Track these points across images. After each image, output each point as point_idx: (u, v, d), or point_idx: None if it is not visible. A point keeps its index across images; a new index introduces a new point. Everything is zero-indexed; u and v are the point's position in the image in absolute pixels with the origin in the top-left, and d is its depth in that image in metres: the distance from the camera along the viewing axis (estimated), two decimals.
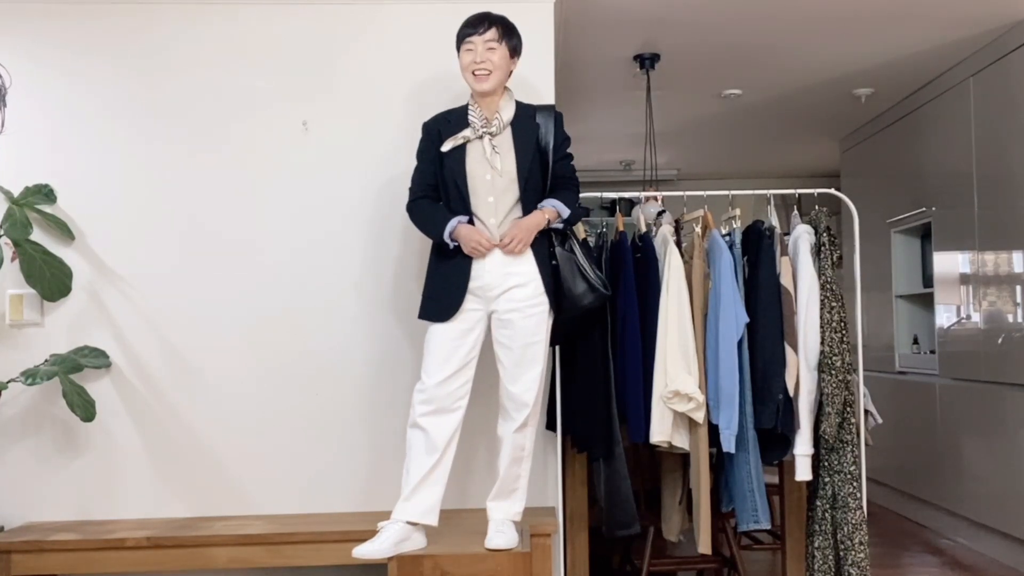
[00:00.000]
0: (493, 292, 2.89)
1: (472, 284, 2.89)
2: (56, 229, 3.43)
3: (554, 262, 2.96)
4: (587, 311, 3.04)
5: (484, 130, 2.91)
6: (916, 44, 4.66)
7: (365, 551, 2.79)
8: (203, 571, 3.33)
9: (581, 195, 3.20)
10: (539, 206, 2.93)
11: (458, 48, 2.96)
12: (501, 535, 2.90)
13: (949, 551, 4.89)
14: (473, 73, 2.90)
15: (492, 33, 2.90)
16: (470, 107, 2.97)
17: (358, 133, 3.57)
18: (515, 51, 2.97)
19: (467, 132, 2.92)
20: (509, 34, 2.94)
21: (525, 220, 2.89)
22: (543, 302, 2.92)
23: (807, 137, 6.79)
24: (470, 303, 2.90)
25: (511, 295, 2.89)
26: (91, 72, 3.54)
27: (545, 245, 2.95)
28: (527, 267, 2.90)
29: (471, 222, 2.91)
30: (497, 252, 2.88)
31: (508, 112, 2.95)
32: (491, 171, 2.90)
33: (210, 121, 3.55)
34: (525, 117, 2.97)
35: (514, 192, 2.92)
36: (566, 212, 2.95)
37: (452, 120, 2.98)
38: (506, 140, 2.93)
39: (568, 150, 3.06)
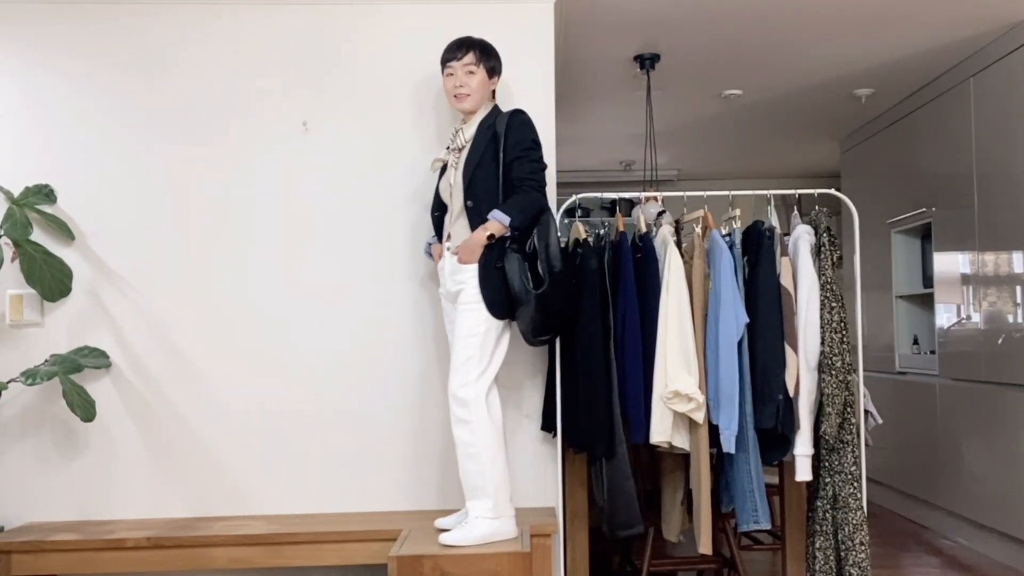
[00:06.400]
0: (451, 297, 3.13)
1: (441, 289, 3.23)
2: (56, 229, 3.43)
3: (499, 265, 3.00)
4: (538, 310, 3.00)
5: (452, 147, 3.19)
6: (916, 44, 4.66)
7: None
8: (203, 571, 3.33)
9: (582, 195, 3.20)
10: (488, 217, 3.02)
11: (442, 71, 3.21)
12: (458, 530, 2.98)
13: (949, 551, 4.90)
14: (454, 96, 3.16)
15: (470, 58, 3.13)
16: (456, 127, 3.24)
17: (359, 133, 3.57)
18: (493, 71, 3.20)
19: (442, 154, 3.24)
20: (487, 56, 3.17)
21: (470, 239, 3.04)
22: (477, 300, 3.01)
23: (807, 137, 6.79)
24: (447, 304, 3.22)
25: (459, 299, 3.07)
26: (91, 72, 3.54)
27: (492, 252, 3.01)
28: (467, 274, 3.04)
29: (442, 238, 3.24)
30: (448, 261, 3.13)
31: (471, 128, 3.17)
32: (450, 185, 3.16)
33: (210, 121, 3.55)
34: (485, 127, 3.14)
35: (460, 200, 3.10)
36: (506, 220, 2.99)
37: (448, 142, 3.27)
38: (466, 153, 3.14)
39: (527, 150, 3.08)
